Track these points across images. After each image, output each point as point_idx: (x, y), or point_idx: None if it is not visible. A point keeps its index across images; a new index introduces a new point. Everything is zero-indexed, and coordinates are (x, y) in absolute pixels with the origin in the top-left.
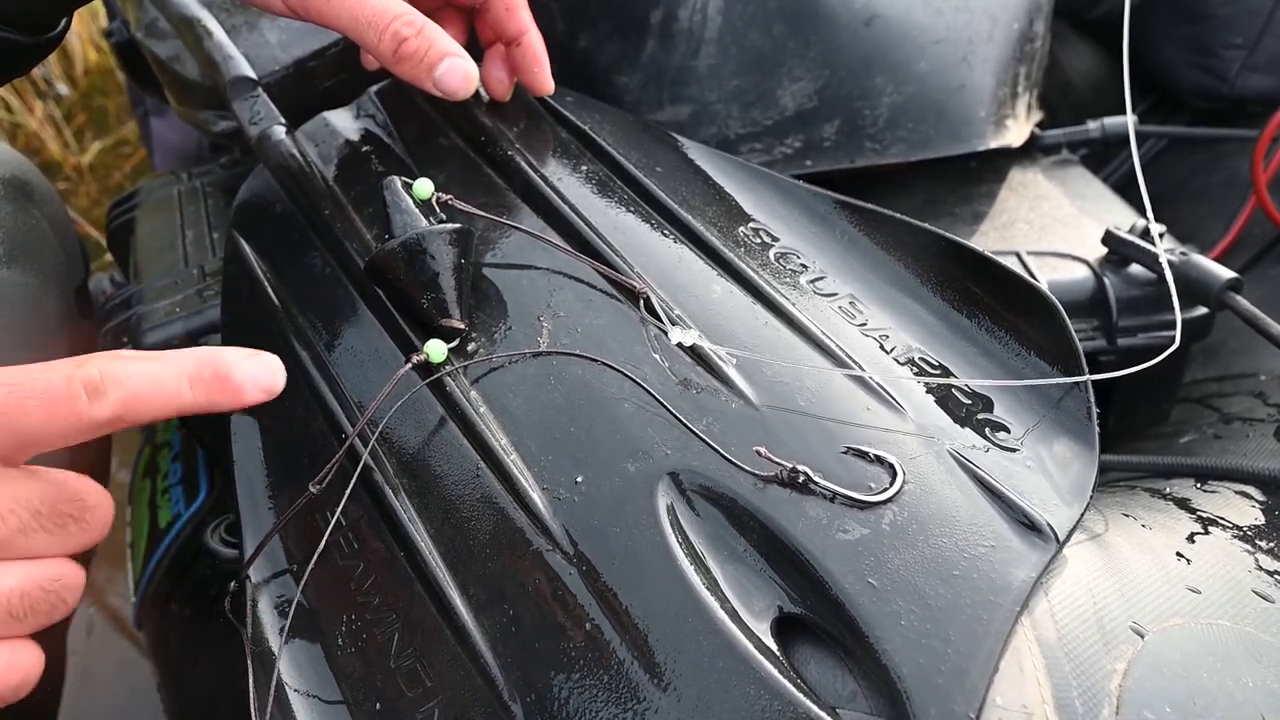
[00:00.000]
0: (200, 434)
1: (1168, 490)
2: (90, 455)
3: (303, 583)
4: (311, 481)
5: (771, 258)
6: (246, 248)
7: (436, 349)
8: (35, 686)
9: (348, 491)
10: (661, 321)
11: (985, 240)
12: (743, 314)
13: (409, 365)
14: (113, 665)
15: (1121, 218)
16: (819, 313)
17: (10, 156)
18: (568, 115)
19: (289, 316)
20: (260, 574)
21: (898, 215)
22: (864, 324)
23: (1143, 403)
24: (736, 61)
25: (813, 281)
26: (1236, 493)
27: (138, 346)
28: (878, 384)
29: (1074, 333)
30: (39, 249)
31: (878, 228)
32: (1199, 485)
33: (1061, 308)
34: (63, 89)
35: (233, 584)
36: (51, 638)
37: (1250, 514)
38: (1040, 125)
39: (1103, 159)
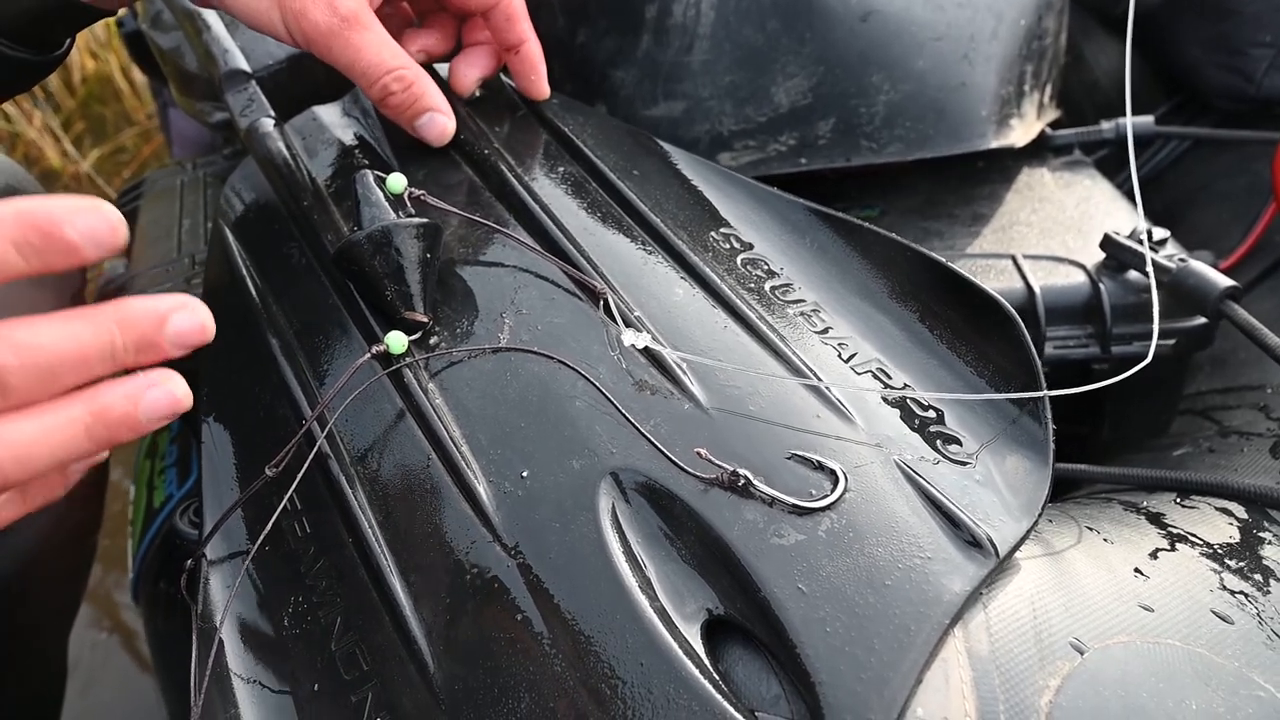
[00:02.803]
0: (191, 420)
1: (1144, 504)
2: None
3: (247, 562)
4: (268, 465)
5: (739, 263)
6: (230, 236)
7: (397, 340)
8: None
9: (299, 476)
10: (617, 322)
11: (982, 242)
12: (702, 317)
13: (368, 355)
14: (117, 673)
15: (1129, 222)
16: (780, 319)
17: (4, 164)
18: (550, 117)
19: (264, 305)
20: (216, 554)
21: (868, 225)
22: (825, 331)
23: (1140, 413)
24: (730, 57)
25: (778, 288)
26: (1218, 509)
27: None
28: (830, 392)
29: (1033, 348)
30: None
31: (848, 237)
32: (1179, 500)
33: (1021, 322)
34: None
35: (189, 562)
36: (54, 643)
37: (1226, 531)
38: (1056, 124)
39: (1123, 160)
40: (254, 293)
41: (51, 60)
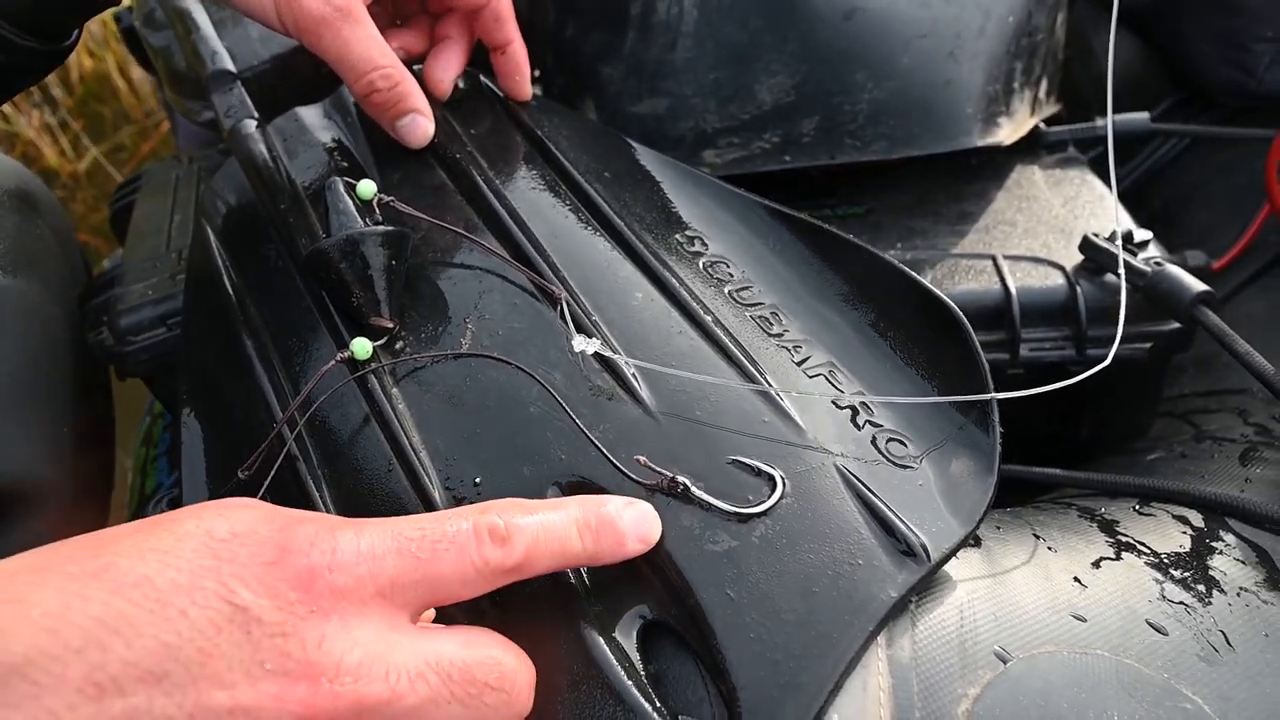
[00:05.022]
0: (175, 409)
1: (1100, 510)
2: (92, 440)
3: None
4: (240, 468)
5: (700, 266)
6: (211, 235)
7: (361, 346)
8: None
9: (267, 481)
10: (569, 327)
11: (966, 242)
12: (658, 322)
13: (334, 361)
14: None
15: (1114, 221)
16: (737, 322)
17: (14, 167)
18: (525, 120)
19: (240, 306)
20: None
21: (828, 227)
22: (780, 335)
23: (1119, 415)
24: (713, 55)
25: (737, 291)
26: (1175, 517)
27: (113, 326)
28: (779, 397)
29: (982, 354)
30: (43, 258)
31: (809, 239)
32: (1138, 507)
33: (969, 326)
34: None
35: None
36: None
37: (1177, 540)
38: (1056, 120)
39: (1119, 157)
40: (231, 293)
41: (59, 51)
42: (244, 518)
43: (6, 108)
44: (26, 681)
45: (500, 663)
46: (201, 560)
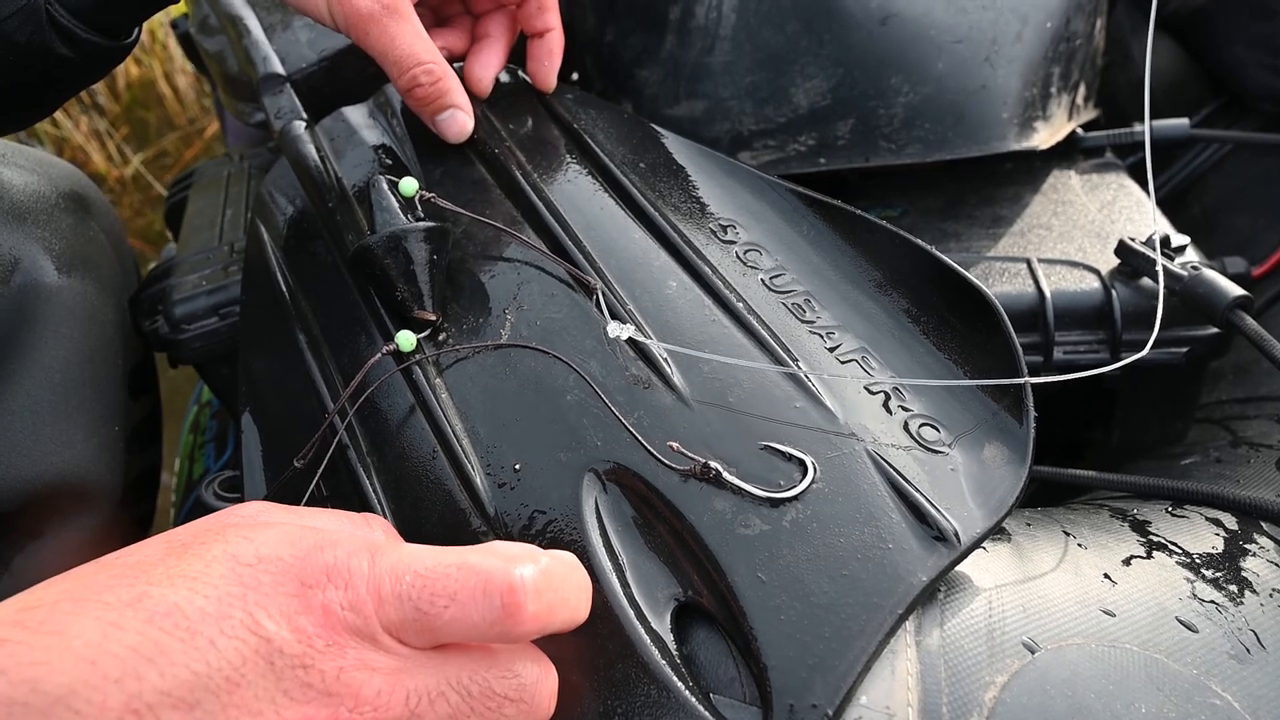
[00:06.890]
0: (225, 396)
1: (1133, 512)
2: (141, 439)
3: None
4: (296, 457)
5: (734, 254)
6: (265, 234)
7: (406, 338)
8: None
9: (320, 470)
10: (604, 315)
11: (1000, 245)
12: (692, 310)
13: (381, 354)
14: None
15: (1151, 226)
16: (769, 310)
17: (70, 171)
18: (562, 113)
19: (293, 301)
20: None
21: (861, 214)
22: (813, 321)
23: (1154, 420)
24: (750, 59)
25: (770, 278)
26: (1208, 519)
27: (168, 314)
28: (811, 382)
29: (1016, 339)
30: (97, 260)
31: (843, 225)
32: (1171, 509)
33: (1002, 310)
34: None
35: None
36: None
37: (1209, 541)
38: (1091, 126)
39: (1157, 163)
40: (285, 289)
41: (121, 48)
42: (269, 540)
43: (57, 113)
44: (70, 711)
45: (519, 675)
46: (229, 587)
